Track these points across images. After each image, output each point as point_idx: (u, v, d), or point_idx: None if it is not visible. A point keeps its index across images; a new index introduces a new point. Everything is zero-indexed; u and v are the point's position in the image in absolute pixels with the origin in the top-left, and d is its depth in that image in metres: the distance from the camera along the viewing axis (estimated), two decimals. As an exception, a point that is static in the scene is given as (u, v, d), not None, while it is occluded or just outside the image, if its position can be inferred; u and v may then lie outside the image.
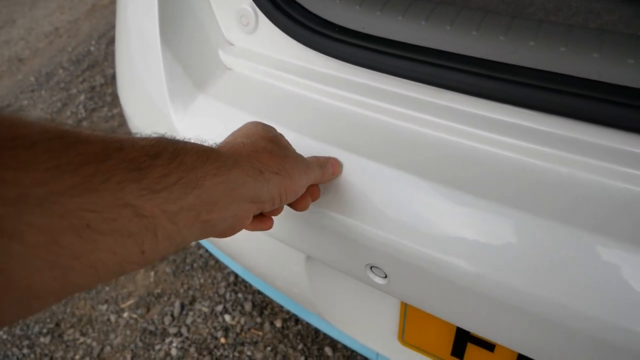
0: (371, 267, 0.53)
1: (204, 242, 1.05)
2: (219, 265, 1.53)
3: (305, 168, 0.45)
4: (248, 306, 1.41)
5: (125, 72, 0.75)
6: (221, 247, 0.85)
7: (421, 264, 0.48)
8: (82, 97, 2.37)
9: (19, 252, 0.23)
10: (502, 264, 0.45)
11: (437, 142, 0.52)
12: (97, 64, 2.59)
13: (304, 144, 0.56)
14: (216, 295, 1.46)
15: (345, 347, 1.28)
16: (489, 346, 0.58)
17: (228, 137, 0.45)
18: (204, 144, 0.39)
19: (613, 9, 0.61)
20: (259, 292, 1.45)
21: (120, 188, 0.27)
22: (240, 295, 1.45)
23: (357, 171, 0.52)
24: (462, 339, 0.60)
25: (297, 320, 1.37)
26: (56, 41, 2.88)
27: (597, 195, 0.44)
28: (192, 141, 0.37)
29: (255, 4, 0.62)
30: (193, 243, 1.62)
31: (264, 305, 1.41)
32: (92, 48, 2.72)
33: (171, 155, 0.32)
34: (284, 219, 0.57)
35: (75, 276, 0.25)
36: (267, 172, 0.40)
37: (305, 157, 0.48)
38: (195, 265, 1.55)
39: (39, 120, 0.26)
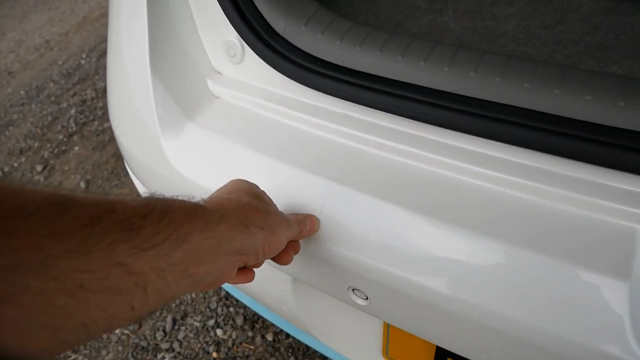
0: (353, 290, 0.56)
1: None
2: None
3: (286, 224, 0.48)
4: (239, 320, 1.43)
5: (116, 97, 0.77)
6: None
7: (399, 287, 0.51)
8: (72, 111, 2.38)
9: (14, 315, 0.23)
10: (474, 287, 0.48)
11: (412, 170, 0.55)
12: (88, 77, 2.61)
13: (287, 172, 0.59)
14: (208, 309, 1.48)
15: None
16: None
17: (214, 193, 0.47)
18: (192, 200, 0.41)
19: (578, 41, 0.65)
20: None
21: (112, 249, 0.29)
22: (231, 309, 1.47)
23: (336, 199, 0.55)
24: (442, 355, 0.63)
25: (288, 333, 1.39)
26: (47, 54, 2.89)
27: (565, 225, 0.47)
28: (180, 198, 0.39)
29: (241, 36, 0.65)
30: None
31: (255, 319, 1.43)
32: (82, 61, 2.74)
33: (160, 214, 0.33)
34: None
35: (66, 335, 0.26)
36: (252, 226, 0.42)
37: (285, 214, 0.50)
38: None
39: (37, 188, 0.28)
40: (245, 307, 1.46)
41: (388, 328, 0.66)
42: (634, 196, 0.45)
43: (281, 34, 0.64)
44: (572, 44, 0.64)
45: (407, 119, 0.55)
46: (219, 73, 0.73)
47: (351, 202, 0.54)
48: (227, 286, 1.05)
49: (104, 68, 2.65)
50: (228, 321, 1.44)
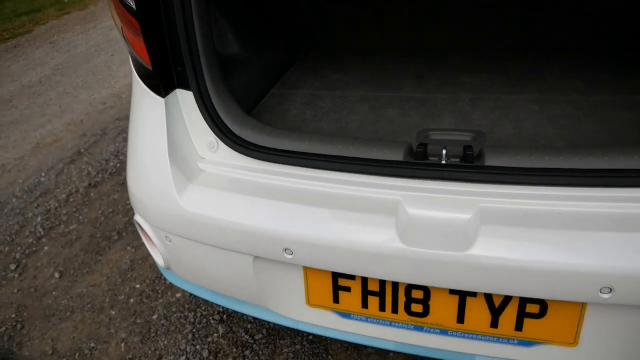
0: (285, 249, 1.13)
1: (166, 273, 1.56)
2: (179, 328, 1.98)
3: None
4: (205, 353, 1.87)
5: (138, 174, 1.33)
6: (184, 276, 1.40)
7: (312, 242, 1.10)
8: (38, 219, 2.79)
9: None
10: (333, 231, 1.08)
11: (318, 191, 1.17)
12: (49, 191, 3.05)
13: (245, 200, 1.18)
14: (178, 350, 1.90)
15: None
16: (347, 288, 1.17)
17: None
18: None
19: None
20: (213, 342, 1.91)
21: None
22: (198, 346, 1.90)
23: (280, 205, 1.14)
24: (335, 288, 1.19)
25: (244, 356, 1.84)
26: (5, 175, 3.30)
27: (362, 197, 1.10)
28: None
29: (217, 137, 1.27)
30: (160, 308, 2.06)
31: (218, 350, 1.87)
32: (42, 178, 3.18)
33: None
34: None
35: None
36: None
37: None
38: (159, 332, 1.99)
39: None
40: (209, 343, 1.91)
41: (307, 280, 1.21)
42: (395, 185, 1.10)
43: (238, 134, 1.27)
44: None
45: (309, 169, 1.18)
46: (203, 158, 1.33)
47: (290, 208, 1.14)
48: (191, 287, 1.52)
49: (64, 183, 3.11)
50: (196, 355, 1.86)
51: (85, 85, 4.64)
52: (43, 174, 3.23)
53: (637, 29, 1.83)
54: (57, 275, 2.35)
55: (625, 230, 0.98)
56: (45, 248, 2.56)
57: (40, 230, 2.70)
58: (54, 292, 2.25)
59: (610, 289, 0.97)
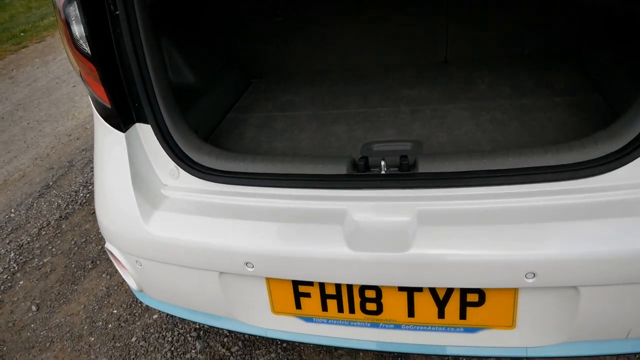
0: (246, 263, 1.23)
1: (139, 295, 1.63)
2: (158, 348, 2.05)
3: None
4: (185, 370, 1.94)
5: (104, 201, 1.41)
6: (157, 296, 1.48)
7: (272, 255, 1.20)
8: (11, 254, 2.81)
9: None
10: (296, 243, 1.18)
11: (277, 208, 1.27)
12: (20, 226, 3.07)
13: (208, 221, 1.28)
14: (159, 369, 1.97)
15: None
16: (307, 294, 1.28)
17: None
18: None
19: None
20: (191, 358, 1.98)
21: None
22: (177, 364, 1.97)
23: (246, 226, 1.25)
24: (297, 295, 1.29)
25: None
26: (-26, 214, 3.30)
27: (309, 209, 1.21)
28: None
29: (177, 164, 1.37)
30: (139, 330, 2.12)
31: (196, 366, 1.95)
32: (12, 214, 3.20)
33: None
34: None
35: None
36: None
37: None
38: (138, 353, 2.05)
39: None
40: (188, 358, 1.98)
41: (270, 290, 1.31)
42: (342, 196, 1.22)
43: (197, 161, 1.37)
44: None
45: (262, 187, 1.29)
46: (165, 185, 1.42)
47: (248, 225, 1.24)
48: (165, 307, 1.60)
49: (35, 217, 3.14)
50: (176, 373, 1.93)
51: (49, 119, 4.65)
52: (12, 210, 3.25)
53: (551, 38, 2.01)
54: (34, 308, 2.39)
55: (542, 221, 1.12)
56: (21, 282, 2.59)
57: (15, 265, 2.73)
58: (32, 325, 2.29)
59: (534, 274, 1.10)
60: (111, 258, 1.55)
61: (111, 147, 1.39)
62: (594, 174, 1.13)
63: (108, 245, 1.51)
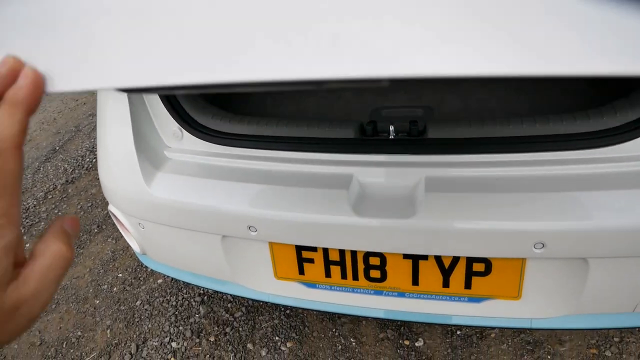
0: (249, 227, 1.22)
1: (142, 258, 1.64)
2: (162, 312, 2.06)
3: None
4: (188, 333, 1.96)
5: (107, 161, 1.39)
6: (160, 259, 1.48)
7: (274, 219, 1.18)
8: (18, 217, 2.82)
9: None
10: (294, 206, 1.16)
11: (282, 171, 1.25)
12: (26, 190, 3.07)
13: (210, 183, 1.26)
14: (162, 332, 1.99)
15: (260, 339, 1.88)
16: (310, 260, 1.27)
17: None
18: None
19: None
20: (195, 322, 2.00)
21: None
22: (181, 327, 1.99)
23: (250, 189, 1.22)
24: (300, 260, 1.28)
25: (225, 333, 1.93)
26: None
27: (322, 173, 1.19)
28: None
29: (181, 126, 1.34)
30: (143, 294, 2.14)
31: (200, 330, 1.96)
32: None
33: None
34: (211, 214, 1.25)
35: None
36: None
37: None
38: (143, 317, 2.07)
39: None
40: (191, 323, 1.99)
41: (273, 255, 1.30)
42: (350, 160, 1.19)
43: (201, 123, 1.34)
44: None
45: (267, 150, 1.26)
46: (169, 146, 1.40)
47: (252, 188, 1.22)
48: (168, 270, 1.60)
49: (41, 181, 3.14)
50: (179, 336, 1.95)
51: (57, 82, 4.62)
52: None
53: None
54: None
55: (554, 191, 1.08)
56: (27, 245, 2.61)
57: (21, 228, 2.74)
58: (38, 287, 2.31)
59: (543, 245, 1.07)
60: (114, 220, 1.54)
61: (114, 108, 1.36)
62: (611, 143, 1.09)
63: (111, 208, 1.49)
